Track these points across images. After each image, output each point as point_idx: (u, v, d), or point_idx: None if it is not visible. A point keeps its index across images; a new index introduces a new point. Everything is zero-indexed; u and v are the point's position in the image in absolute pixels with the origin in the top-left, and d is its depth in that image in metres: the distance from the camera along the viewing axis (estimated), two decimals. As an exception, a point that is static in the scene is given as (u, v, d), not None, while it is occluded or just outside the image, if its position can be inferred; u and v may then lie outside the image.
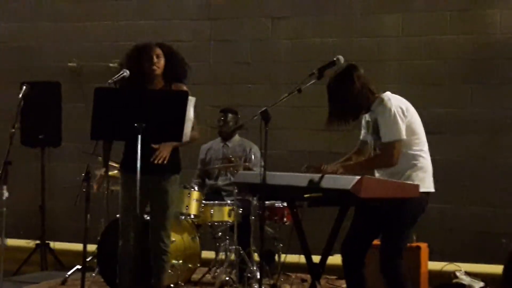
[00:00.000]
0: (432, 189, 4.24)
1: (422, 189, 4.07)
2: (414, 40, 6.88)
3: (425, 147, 4.24)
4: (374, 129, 4.22)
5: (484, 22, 6.77)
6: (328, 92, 4.28)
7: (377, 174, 4.25)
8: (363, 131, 4.42)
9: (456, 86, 6.80)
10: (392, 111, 4.11)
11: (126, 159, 4.86)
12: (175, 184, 4.89)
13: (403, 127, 4.11)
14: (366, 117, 4.34)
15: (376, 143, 4.22)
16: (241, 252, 5.79)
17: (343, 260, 4.26)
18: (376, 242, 4.28)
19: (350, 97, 4.19)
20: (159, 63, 4.77)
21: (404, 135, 4.12)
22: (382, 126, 4.14)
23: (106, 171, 5.03)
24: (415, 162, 4.16)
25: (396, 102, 4.18)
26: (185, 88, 4.82)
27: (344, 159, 4.44)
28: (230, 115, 6.54)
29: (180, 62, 4.88)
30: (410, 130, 4.16)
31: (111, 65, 7.11)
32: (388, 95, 4.23)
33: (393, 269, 4.13)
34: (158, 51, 4.78)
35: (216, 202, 6.05)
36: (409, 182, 4.09)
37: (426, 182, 4.18)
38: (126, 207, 4.82)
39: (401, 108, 4.15)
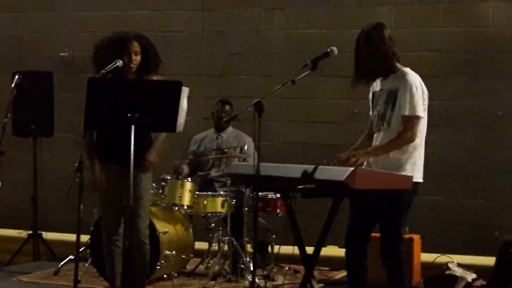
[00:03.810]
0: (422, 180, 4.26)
1: (416, 179, 4.11)
2: (406, 32, 6.86)
3: (424, 135, 4.24)
4: (389, 99, 4.18)
5: (477, 15, 6.77)
6: (356, 47, 4.20)
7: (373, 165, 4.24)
8: (372, 106, 4.37)
9: (448, 78, 6.80)
10: (419, 88, 4.11)
11: (103, 148, 4.82)
12: (149, 173, 4.84)
13: (422, 106, 4.12)
14: (376, 86, 4.29)
15: (386, 112, 4.18)
16: (234, 243, 5.79)
17: (347, 252, 4.27)
18: (376, 234, 4.28)
19: (379, 53, 4.13)
20: (137, 60, 4.74)
21: (422, 114, 4.12)
22: (406, 99, 4.09)
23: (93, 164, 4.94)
24: (414, 150, 4.15)
25: (420, 80, 4.17)
26: (155, 78, 4.80)
27: (357, 145, 4.40)
28: (227, 106, 6.53)
29: (154, 55, 4.83)
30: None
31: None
32: (411, 71, 4.20)
33: (394, 255, 4.14)
34: (137, 47, 4.74)
35: (209, 193, 6.05)
36: (404, 172, 4.08)
37: (421, 172, 4.20)
38: (108, 198, 4.81)
39: (423, 90, 4.16)
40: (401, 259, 4.17)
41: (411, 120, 4.10)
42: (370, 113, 4.40)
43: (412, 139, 4.11)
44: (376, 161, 4.19)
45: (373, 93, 4.34)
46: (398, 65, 4.21)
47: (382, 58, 4.14)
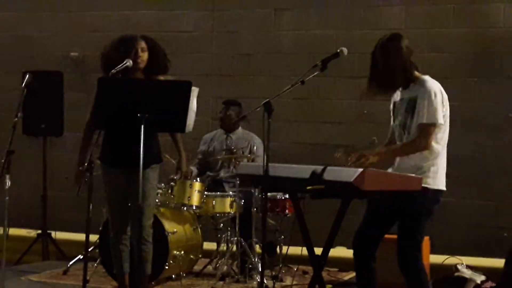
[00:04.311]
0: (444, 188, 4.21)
1: (437, 187, 4.10)
2: (417, 33, 6.85)
3: (446, 142, 4.20)
4: (409, 108, 4.13)
5: (488, 16, 6.75)
6: (373, 59, 4.16)
7: (389, 169, 4.21)
8: (393, 116, 4.34)
9: (459, 80, 6.79)
10: (437, 95, 4.06)
11: (109, 152, 4.83)
12: (155, 172, 4.86)
13: (441, 113, 4.08)
14: (397, 96, 4.26)
15: (407, 121, 4.14)
16: (243, 243, 5.79)
17: (354, 253, 4.24)
18: (388, 236, 4.25)
19: (397, 65, 4.10)
20: (143, 56, 4.74)
21: (442, 121, 4.07)
22: (424, 107, 4.05)
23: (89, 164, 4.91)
24: (436, 157, 4.12)
25: (439, 87, 4.13)
26: (162, 78, 4.80)
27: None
28: (232, 107, 6.52)
29: (162, 56, 4.84)
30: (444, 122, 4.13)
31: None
32: (430, 78, 4.17)
33: (411, 263, 4.08)
34: (143, 44, 4.74)
35: (218, 193, 6.05)
36: (426, 179, 4.05)
37: (443, 179, 4.16)
38: (116, 199, 4.82)
39: (442, 96, 4.11)
40: (418, 266, 4.09)
41: (428, 128, 4.05)
42: (391, 123, 4.36)
43: (426, 146, 4.06)
44: (397, 169, 4.16)
45: (394, 103, 4.30)
46: (417, 73, 4.17)
47: (401, 69, 4.11)
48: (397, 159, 4.19)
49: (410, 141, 4.10)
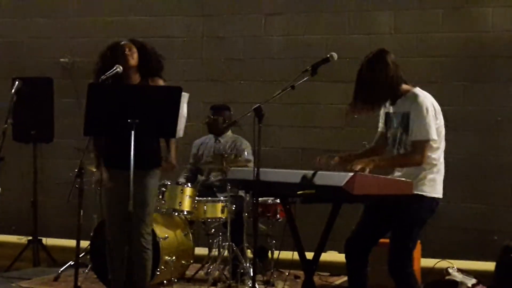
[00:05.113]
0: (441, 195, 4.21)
1: (434, 195, 4.11)
2: (406, 38, 6.89)
3: (443, 150, 4.21)
4: (402, 123, 4.14)
5: (477, 20, 6.78)
6: (359, 76, 4.16)
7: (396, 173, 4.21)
8: (381, 123, 4.35)
9: (448, 84, 6.81)
10: (429, 110, 4.07)
11: (108, 155, 4.83)
12: (155, 179, 4.86)
13: (434, 128, 4.08)
14: (389, 108, 4.25)
15: (402, 136, 4.15)
16: (234, 248, 5.79)
17: (347, 258, 4.24)
18: (381, 240, 4.26)
19: (384, 81, 4.09)
20: (132, 54, 4.75)
21: (435, 136, 4.08)
22: (415, 124, 4.06)
23: (100, 167, 4.94)
24: (433, 166, 4.13)
25: (430, 101, 4.13)
26: (161, 82, 4.82)
27: (358, 153, 4.36)
28: (219, 112, 6.49)
29: (154, 55, 4.86)
30: (437, 133, 4.12)
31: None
32: (421, 91, 4.16)
33: (401, 270, 4.08)
34: (130, 45, 4.77)
35: (209, 198, 6.05)
36: (422, 187, 4.07)
37: (439, 188, 4.17)
38: (112, 203, 4.81)
39: (435, 109, 4.12)
40: (408, 273, 4.09)
41: (422, 144, 4.06)
42: (379, 129, 4.38)
43: (421, 162, 4.07)
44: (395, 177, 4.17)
45: (387, 114, 4.29)
46: (406, 86, 4.17)
47: (388, 85, 4.11)
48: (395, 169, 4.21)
49: (406, 155, 4.12)
